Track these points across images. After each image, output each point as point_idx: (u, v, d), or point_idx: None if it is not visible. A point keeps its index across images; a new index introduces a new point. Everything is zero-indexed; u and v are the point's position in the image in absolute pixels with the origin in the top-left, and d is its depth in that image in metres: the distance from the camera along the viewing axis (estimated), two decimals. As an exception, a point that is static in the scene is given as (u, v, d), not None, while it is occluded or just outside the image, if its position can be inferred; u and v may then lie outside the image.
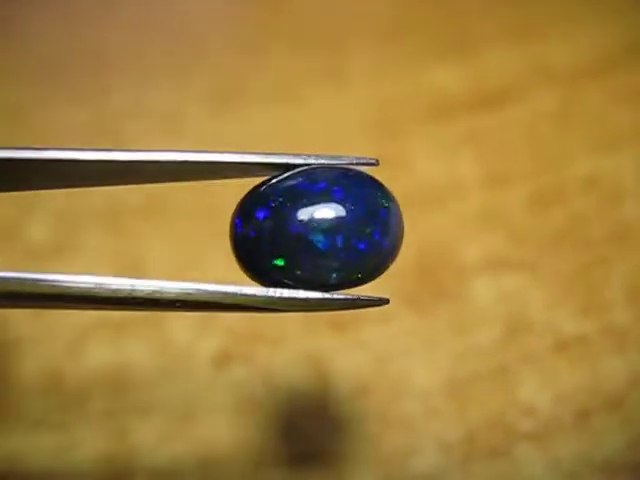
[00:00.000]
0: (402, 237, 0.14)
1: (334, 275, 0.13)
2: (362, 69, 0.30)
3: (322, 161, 0.14)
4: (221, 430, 0.21)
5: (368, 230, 0.13)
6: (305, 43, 0.30)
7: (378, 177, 0.14)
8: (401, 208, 0.14)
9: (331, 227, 0.13)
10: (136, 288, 0.13)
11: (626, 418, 0.21)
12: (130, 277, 0.13)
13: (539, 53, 0.30)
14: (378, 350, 0.23)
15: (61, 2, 0.31)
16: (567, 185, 0.26)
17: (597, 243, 0.25)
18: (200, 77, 0.29)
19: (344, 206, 0.13)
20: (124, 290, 0.13)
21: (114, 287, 0.13)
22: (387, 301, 0.14)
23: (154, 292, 0.13)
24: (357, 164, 0.14)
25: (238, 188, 0.14)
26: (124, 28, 0.31)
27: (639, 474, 0.20)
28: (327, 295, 0.13)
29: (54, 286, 0.13)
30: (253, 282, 0.14)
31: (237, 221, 0.13)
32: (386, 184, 0.14)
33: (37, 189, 0.14)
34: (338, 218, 0.13)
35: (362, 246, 0.13)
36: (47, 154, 0.13)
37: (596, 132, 0.28)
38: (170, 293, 0.13)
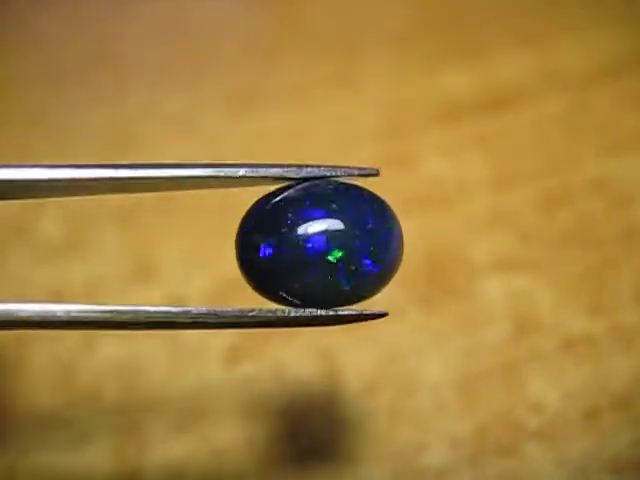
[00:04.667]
0: (402, 255, 0.15)
1: (343, 293, 0.14)
2: (374, 73, 0.30)
3: (322, 171, 0.14)
4: (231, 426, 0.22)
5: (374, 251, 0.14)
6: (318, 47, 0.31)
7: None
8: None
9: (342, 248, 0.13)
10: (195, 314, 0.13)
11: (633, 416, 0.22)
12: (167, 305, 0.13)
13: (548, 58, 0.30)
14: (388, 347, 0.23)
15: (78, 7, 0.32)
16: (575, 187, 0.27)
17: (604, 244, 0.25)
18: (215, 80, 0.30)
19: (355, 228, 0.13)
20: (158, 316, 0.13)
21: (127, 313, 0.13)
22: (386, 314, 0.14)
23: (201, 316, 0.13)
24: (359, 175, 0.14)
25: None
26: (140, 32, 0.31)
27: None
28: (331, 312, 0.14)
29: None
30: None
31: (241, 243, 0.14)
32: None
33: (40, 197, 0.15)
34: (349, 240, 0.13)
35: (370, 265, 0.14)
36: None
37: (604, 135, 0.28)
38: (200, 315, 0.13)
